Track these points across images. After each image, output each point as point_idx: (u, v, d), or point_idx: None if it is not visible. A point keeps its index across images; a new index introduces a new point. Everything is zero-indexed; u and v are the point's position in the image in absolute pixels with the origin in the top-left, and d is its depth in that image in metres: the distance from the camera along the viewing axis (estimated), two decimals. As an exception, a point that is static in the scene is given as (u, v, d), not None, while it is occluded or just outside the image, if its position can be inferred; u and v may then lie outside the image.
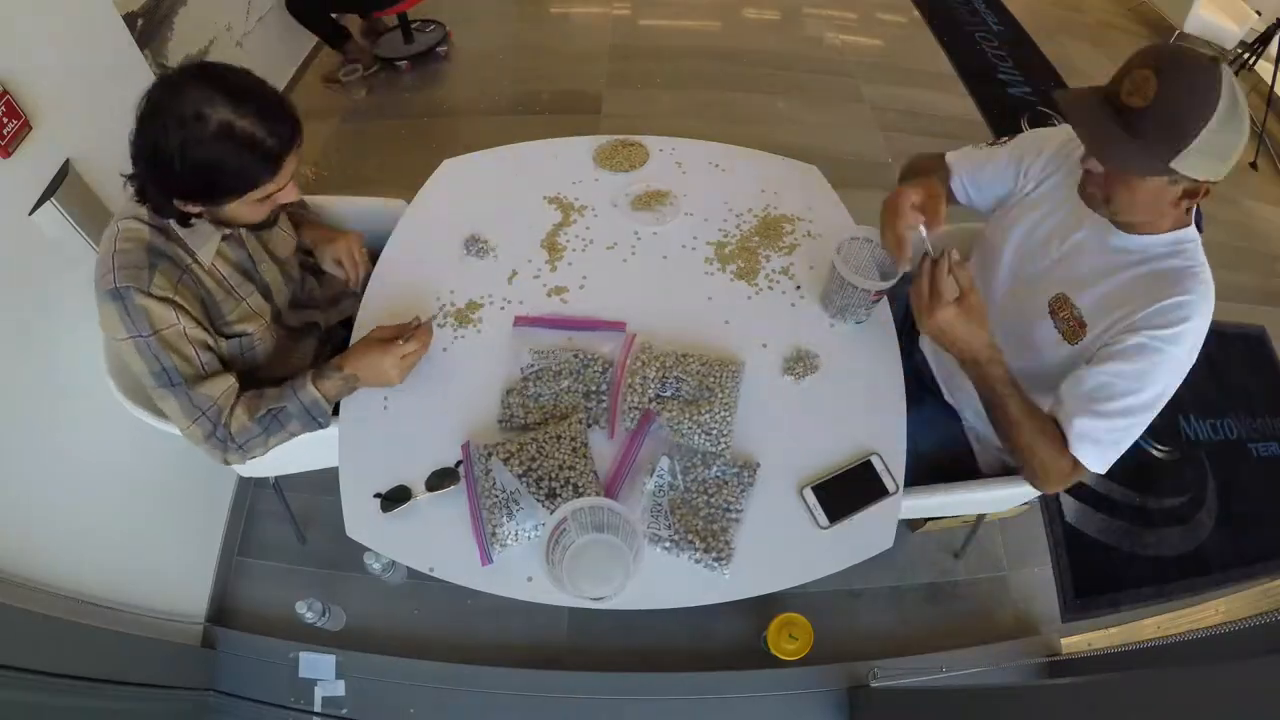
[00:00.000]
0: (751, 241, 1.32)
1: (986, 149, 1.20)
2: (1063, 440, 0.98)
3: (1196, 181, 0.87)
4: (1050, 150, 1.12)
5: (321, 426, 1.08)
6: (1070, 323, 1.04)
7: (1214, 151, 0.83)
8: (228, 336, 1.08)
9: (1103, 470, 0.98)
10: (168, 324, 0.96)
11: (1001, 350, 1.00)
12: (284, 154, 0.92)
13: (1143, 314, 0.94)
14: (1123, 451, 0.98)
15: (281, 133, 0.91)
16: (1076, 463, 0.98)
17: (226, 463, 1.08)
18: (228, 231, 1.05)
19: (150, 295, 0.94)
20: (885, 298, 1.17)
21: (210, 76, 0.87)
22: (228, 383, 1.03)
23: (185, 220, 0.99)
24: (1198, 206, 0.96)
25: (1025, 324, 1.11)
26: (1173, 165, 0.83)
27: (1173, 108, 0.82)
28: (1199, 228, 0.98)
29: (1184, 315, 0.92)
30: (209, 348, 1.03)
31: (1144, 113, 0.83)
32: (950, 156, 1.23)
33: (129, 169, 0.93)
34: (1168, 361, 0.93)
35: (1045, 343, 1.08)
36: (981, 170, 1.19)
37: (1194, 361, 0.95)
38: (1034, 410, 1.00)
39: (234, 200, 0.94)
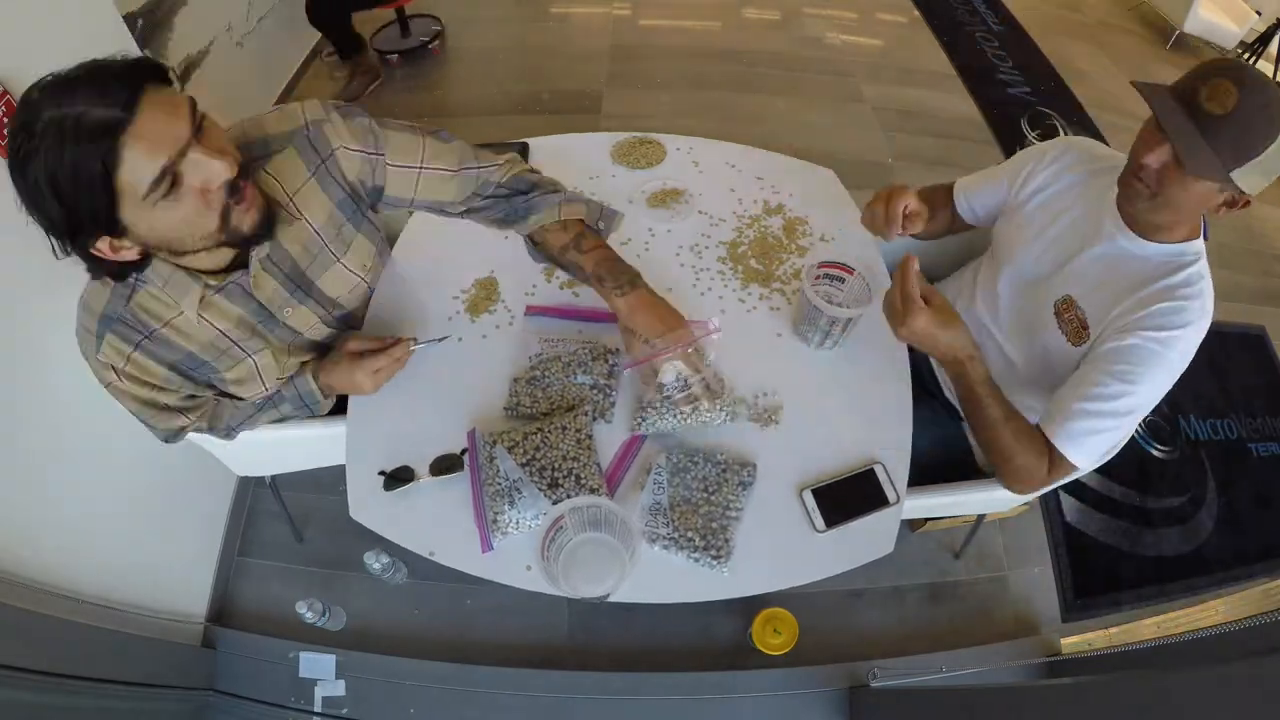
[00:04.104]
0: (765, 243, 1.32)
1: (989, 169, 1.26)
2: (1044, 443, 0.99)
3: (1240, 193, 0.89)
4: (1054, 154, 1.14)
5: (310, 413, 1.08)
6: (1074, 324, 1.05)
7: (1270, 169, 0.86)
8: (214, 387, 0.99)
9: (1087, 468, 0.99)
10: (112, 383, 0.93)
11: (983, 353, 1.01)
12: (126, 119, 0.68)
13: (1140, 315, 0.96)
14: (1110, 452, 0.99)
15: (114, 94, 0.67)
16: (1054, 466, 0.99)
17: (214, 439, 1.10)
18: (212, 283, 0.87)
19: (99, 361, 0.90)
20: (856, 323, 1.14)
21: (29, 96, 0.69)
22: (184, 421, 1.01)
23: (129, 271, 0.81)
24: (1204, 216, 0.98)
25: (1033, 327, 1.12)
26: (1234, 175, 0.85)
27: (1250, 121, 0.83)
28: (1204, 235, 1.00)
29: (1182, 320, 0.94)
30: (181, 396, 0.97)
31: (1223, 120, 0.84)
32: (959, 182, 1.30)
33: None
34: (1161, 364, 0.94)
35: (1051, 345, 1.09)
36: (982, 186, 1.25)
37: (1185, 368, 0.96)
38: (1013, 413, 1.01)
39: (124, 206, 0.71)
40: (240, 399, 1.04)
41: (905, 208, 1.12)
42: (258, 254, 0.87)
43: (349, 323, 1.13)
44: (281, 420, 1.10)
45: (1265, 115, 0.83)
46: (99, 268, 0.79)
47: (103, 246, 0.75)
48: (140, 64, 0.71)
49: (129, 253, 0.77)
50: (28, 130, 0.67)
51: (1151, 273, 0.99)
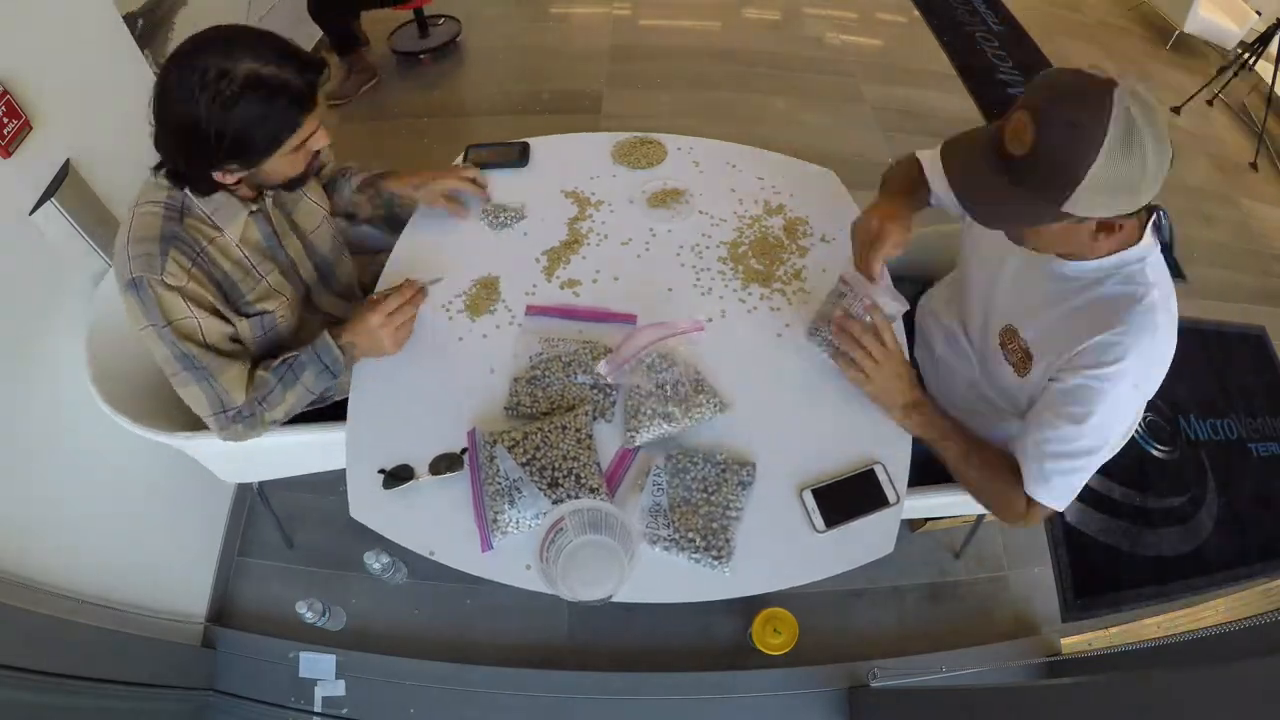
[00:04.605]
0: (765, 243, 1.32)
1: None
2: (1018, 477, 0.98)
3: (1105, 218, 0.81)
4: None
5: (333, 375, 1.10)
6: (1018, 354, 1.02)
7: (1110, 187, 0.76)
8: (248, 315, 1.08)
9: (1062, 507, 0.97)
10: (181, 315, 0.99)
11: (958, 365, 1.05)
12: (313, 94, 0.94)
13: (1079, 350, 0.91)
14: (1080, 487, 0.97)
15: (308, 72, 0.93)
16: (1030, 502, 0.98)
17: (248, 437, 1.10)
18: (254, 208, 1.06)
19: (164, 284, 0.96)
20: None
21: (222, 37, 0.89)
22: (239, 369, 1.05)
23: (217, 188, 1.00)
24: (1160, 217, 0.89)
25: (986, 354, 1.12)
26: (1065, 209, 0.79)
27: (1053, 153, 0.77)
28: (1166, 242, 0.91)
29: (1119, 354, 0.88)
30: (227, 336, 1.05)
31: (1024, 161, 0.79)
32: (924, 156, 1.20)
33: (136, 165, 0.94)
34: (1109, 401, 0.89)
35: (1001, 375, 1.08)
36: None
37: (1152, 390, 0.92)
38: (975, 447, 1.03)
39: (274, 153, 0.95)
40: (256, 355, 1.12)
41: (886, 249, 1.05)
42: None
43: (333, 283, 1.26)
44: (308, 396, 1.11)
45: (1067, 145, 0.76)
46: (196, 182, 0.98)
47: (227, 173, 0.96)
48: (322, 62, 0.97)
49: (232, 178, 0.98)
50: (228, 76, 0.86)
51: (1085, 293, 0.93)
